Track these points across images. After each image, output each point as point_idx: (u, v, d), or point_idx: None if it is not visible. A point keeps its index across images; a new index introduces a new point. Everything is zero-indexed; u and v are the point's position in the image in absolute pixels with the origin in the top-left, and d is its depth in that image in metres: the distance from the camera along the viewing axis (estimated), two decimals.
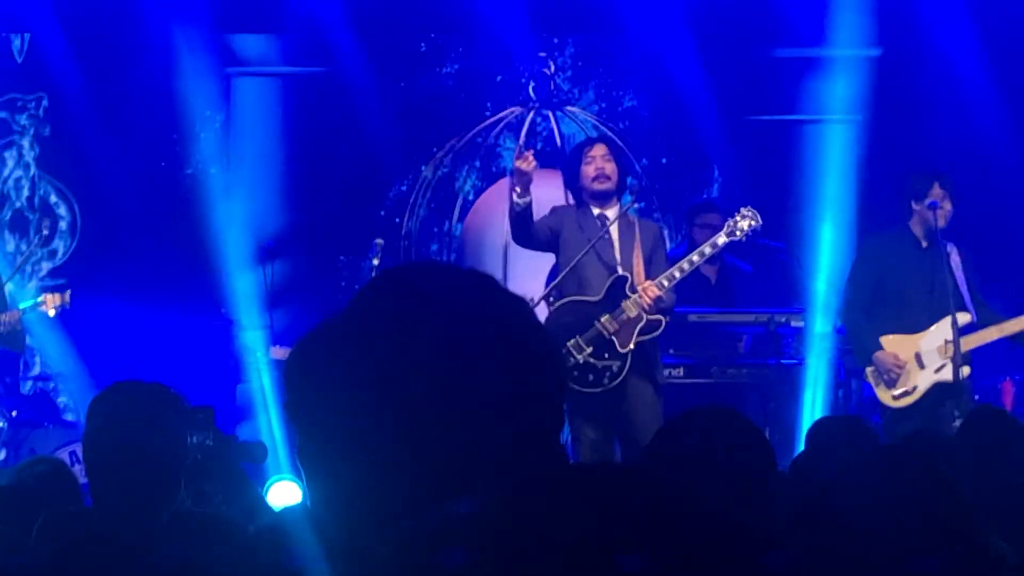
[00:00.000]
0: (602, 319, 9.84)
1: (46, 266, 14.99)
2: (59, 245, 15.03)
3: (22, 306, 11.69)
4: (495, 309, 2.18)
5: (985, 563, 3.04)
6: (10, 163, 15.03)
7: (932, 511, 3.03)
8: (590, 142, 10.50)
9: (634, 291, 9.88)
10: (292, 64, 15.10)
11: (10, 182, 15.01)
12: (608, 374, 9.80)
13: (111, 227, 14.78)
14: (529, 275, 12.06)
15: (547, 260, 10.76)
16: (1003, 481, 5.37)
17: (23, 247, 14.71)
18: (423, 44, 15.06)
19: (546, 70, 13.73)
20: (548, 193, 13.65)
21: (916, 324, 10.42)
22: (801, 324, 12.09)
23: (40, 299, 11.78)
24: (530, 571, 1.76)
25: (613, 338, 9.85)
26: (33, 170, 15.03)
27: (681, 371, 11.42)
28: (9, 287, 12.33)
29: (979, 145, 13.97)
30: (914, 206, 10.53)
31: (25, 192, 15.00)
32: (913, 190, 10.60)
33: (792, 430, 12.80)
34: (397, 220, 14.69)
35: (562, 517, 1.78)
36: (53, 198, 14.96)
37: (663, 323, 9.99)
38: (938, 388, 10.34)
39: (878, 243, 10.88)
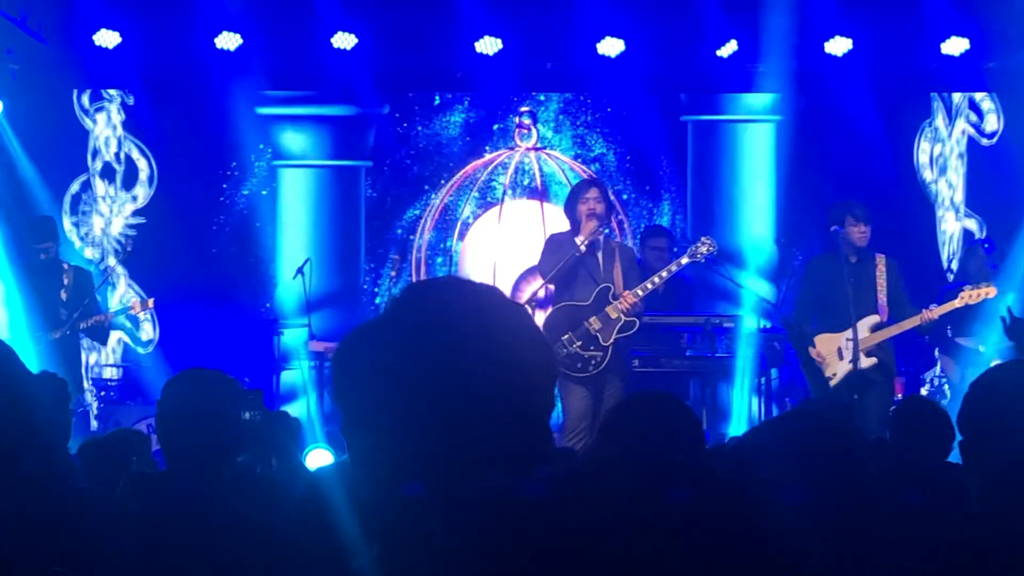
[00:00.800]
0: (590, 319, 10.22)
1: (129, 207, 14.90)
2: (139, 192, 14.95)
3: (114, 310, 11.64)
4: (501, 315, 2.20)
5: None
6: (101, 124, 14.91)
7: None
8: (588, 184, 10.71)
9: (616, 298, 10.28)
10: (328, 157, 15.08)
11: (101, 139, 14.90)
12: (593, 362, 10.21)
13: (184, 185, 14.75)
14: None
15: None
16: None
17: (111, 191, 14.65)
18: (437, 96, 15.03)
19: (525, 121, 13.80)
20: (528, 218, 13.70)
21: (841, 325, 10.50)
22: (731, 325, 12.12)
23: (130, 304, 11.74)
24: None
25: (598, 334, 10.23)
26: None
27: (637, 362, 11.48)
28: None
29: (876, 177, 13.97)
30: (839, 231, 10.64)
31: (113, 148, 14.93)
32: (832, 218, 10.76)
33: (726, 409, 12.78)
34: (411, 237, 14.72)
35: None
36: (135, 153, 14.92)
37: (637, 324, 10.39)
38: (853, 375, 10.43)
39: (818, 263, 11.01)
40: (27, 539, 3.49)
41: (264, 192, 14.92)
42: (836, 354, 10.54)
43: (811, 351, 10.51)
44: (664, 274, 10.41)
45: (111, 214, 14.81)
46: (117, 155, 14.90)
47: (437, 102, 15.04)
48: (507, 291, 11.80)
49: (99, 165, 14.90)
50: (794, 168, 14.65)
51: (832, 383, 10.45)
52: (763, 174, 15.00)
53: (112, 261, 14.38)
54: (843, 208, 10.77)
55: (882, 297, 10.62)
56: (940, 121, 14.99)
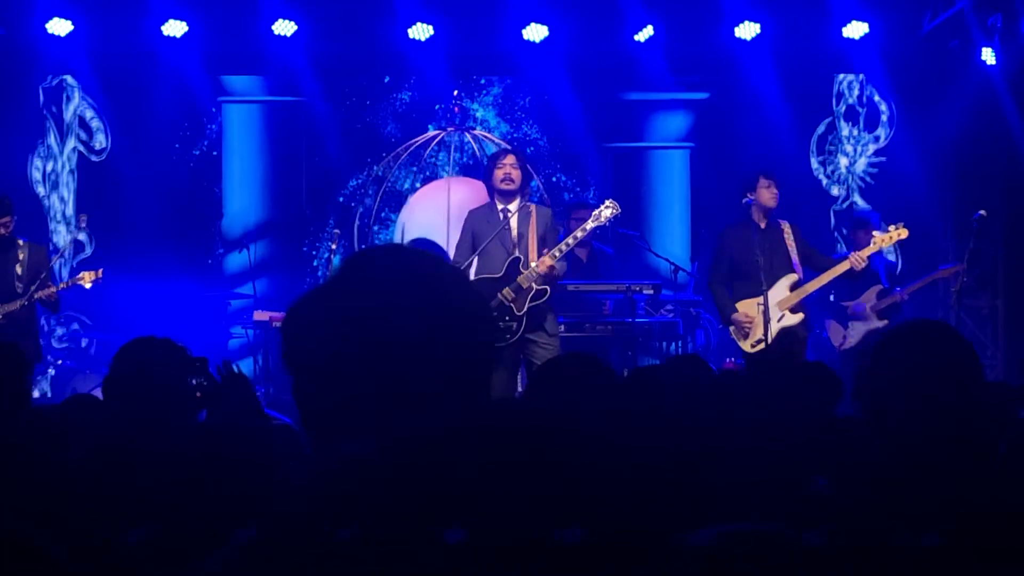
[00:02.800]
0: (503, 291, 9.89)
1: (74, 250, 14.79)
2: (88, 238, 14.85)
3: (62, 284, 11.49)
4: (440, 279, 2.19)
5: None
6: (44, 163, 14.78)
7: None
8: (503, 152, 10.45)
9: (527, 268, 9.93)
10: (272, 94, 14.95)
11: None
12: (509, 332, 9.87)
13: (130, 221, 14.58)
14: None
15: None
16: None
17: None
18: (387, 77, 14.98)
19: (455, 105, 13.72)
20: (468, 195, 13.65)
21: (758, 289, 10.42)
22: (651, 292, 12.10)
23: (79, 275, 11.60)
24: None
25: (511, 305, 9.89)
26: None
27: (562, 328, 11.42)
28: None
29: (779, 163, 14.02)
30: (749, 196, 10.61)
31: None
32: (745, 185, 10.73)
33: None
34: (352, 204, 14.61)
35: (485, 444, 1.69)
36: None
37: (548, 292, 10.00)
38: (781, 333, 10.42)
39: (730, 232, 10.85)
40: None
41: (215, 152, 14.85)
42: (760, 316, 10.44)
43: (735, 316, 10.50)
44: (575, 238, 10.04)
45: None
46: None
47: (387, 80, 14.98)
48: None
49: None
50: (709, 182, 14.68)
51: (762, 346, 10.41)
52: (680, 196, 15.04)
53: (65, 238, 14.29)
54: (754, 173, 10.72)
55: (795, 257, 10.64)
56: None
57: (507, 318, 9.88)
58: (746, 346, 10.59)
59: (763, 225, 10.65)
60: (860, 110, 15.10)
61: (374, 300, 2.10)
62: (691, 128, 15.01)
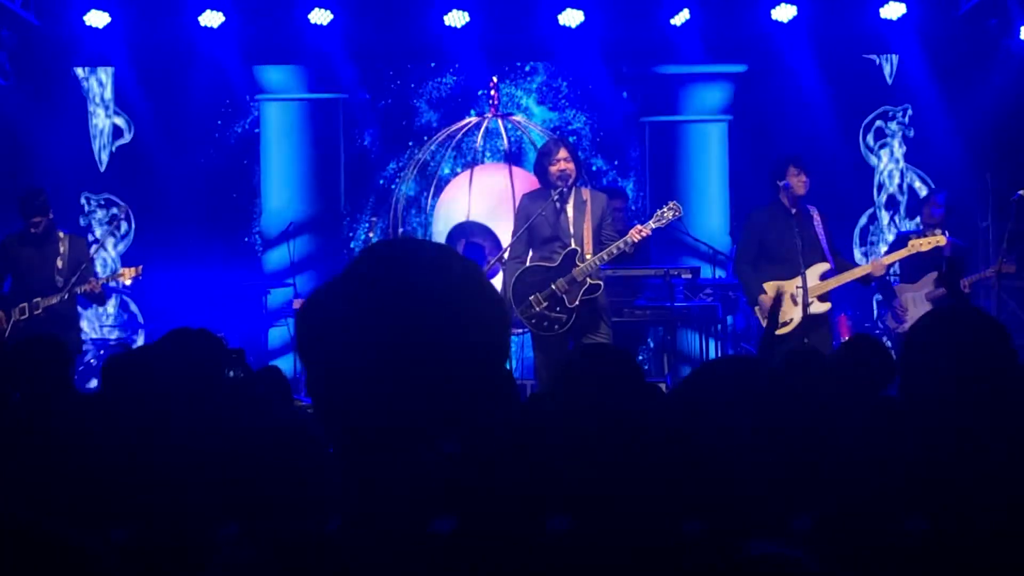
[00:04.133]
0: (556, 282, 9.87)
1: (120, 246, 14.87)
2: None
3: (103, 279, 11.54)
4: (455, 273, 2.17)
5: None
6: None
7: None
8: (556, 145, 10.26)
9: (583, 260, 9.90)
10: (309, 88, 15.00)
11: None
12: (558, 323, 9.86)
13: (167, 211, 14.64)
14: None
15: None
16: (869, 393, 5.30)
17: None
18: (429, 63, 15.00)
19: (492, 91, 13.65)
20: (497, 181, 13.63)
21: (790, 272, 10.42)
22: (689, 276, 12.09)
23: (119, 271, 11.65)
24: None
25: (564, 296, 9.87)
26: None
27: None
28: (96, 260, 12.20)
29: (817, 140, 13.94)
30: (778, 183, 10.56)
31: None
32: (775, 172, 10.67)
33: (686, 354, 12.79)
34: (392, 187, 14.62)
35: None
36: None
37: (601, 287, 9.98)
38: (807, 320, 10.36)
39: (758, 215, 10.81)
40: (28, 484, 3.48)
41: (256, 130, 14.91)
42: (790, 300, 10.46)
43: (763, 297, 10.49)
44: (630, 240, 9.85)
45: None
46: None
47: (425, 67, 14.99)
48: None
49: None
50: (747, 156, 14.60)
51: (789, 328, 10.40)
52: (717, 170, 14.97)
53: (99, 233, 14.38)
54: (785, 160, 10.68)
55: (826, 245, 10.64)
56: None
57: (558, 309, 9.87)
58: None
59: (793, 211, 10.62)
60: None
61: (389, 292, 2.10)
62: (729, 103, 14.92)
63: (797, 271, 10.37)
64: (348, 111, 14.92)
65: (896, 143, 15.01)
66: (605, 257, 9.88)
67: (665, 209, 10.13)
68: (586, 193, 10.20)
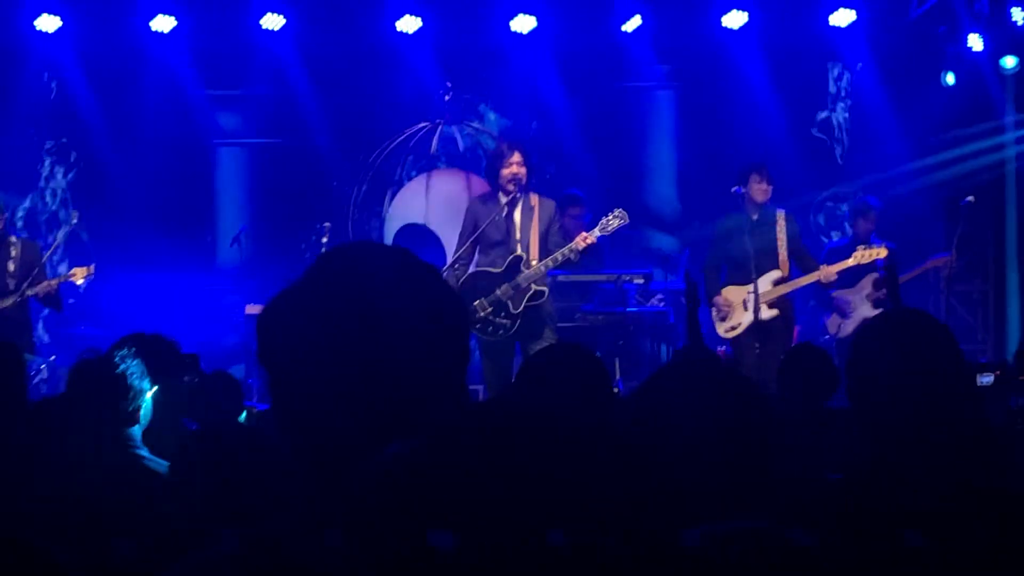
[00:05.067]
0: (501, 287, 9.94)
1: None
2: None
3: (55, 280, 11.48)
4: (413, 276, 2.17)
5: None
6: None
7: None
8: (509, 149, 10.21)
9: (528, 267, 9.97)
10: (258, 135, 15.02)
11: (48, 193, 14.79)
12: (503, 328, 9.95)
13: (121, 215, 14.54)
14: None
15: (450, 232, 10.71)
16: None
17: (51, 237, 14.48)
18: (377, 69, 14.90)
19: (445, 95, 13.68)
20: (450, 186, 13.66)
21: (746, 278, 10.78)
22: (641, 281, 12.16)
23: (71, 272, 11.59)
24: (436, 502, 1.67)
25: (508, 302, 9.96)
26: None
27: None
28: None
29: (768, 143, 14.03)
30: (742, 191, 10.92)
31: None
32: (739, 179, 11.04)
33: (638, 358, 12.84)
34: (346, 189, 14.56)
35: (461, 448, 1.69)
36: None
37: (546, 293, 10.08)
38: (755, 325, 10.70)
39: (724, 223, 11.22)
40: None
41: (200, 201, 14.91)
42: (741, 305, 10.82)
43: (716, 299, 10.76)
44: (576, 248, 9.90)
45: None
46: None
47: (377, 73, 14.93)
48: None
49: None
50: (695, 134, 14.71)
51: (736, 332, 10.67)
52: (666, 138, 15.04)
53: (60, 236, 14.28)
54: (749, 168, 11.07)
55: (783, 253, 10.95)
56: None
57: (502, 315, 9.94)
58: (720, 329, 11.04)
59: (755, 217, 10.85)
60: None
61: (349, 295, 2.09)
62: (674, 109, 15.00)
63: (749, 278, 10.58)
64: (301, 151, 14.85)
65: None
66: (550, 264, 9.93)
67: (611, 216, 10.17)
68: (535, 199, 10.20)
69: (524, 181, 10.05)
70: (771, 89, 14.55)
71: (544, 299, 10.02)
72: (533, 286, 9.95)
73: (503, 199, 10.06)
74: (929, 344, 3.18)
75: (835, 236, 14.58)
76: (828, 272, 10.99)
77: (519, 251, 10.05)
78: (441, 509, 1.68)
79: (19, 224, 14.49)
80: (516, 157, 10.05)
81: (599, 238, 10.70)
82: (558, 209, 11.50)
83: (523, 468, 1.71)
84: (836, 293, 12.28)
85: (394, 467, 1.71)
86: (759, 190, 10.93)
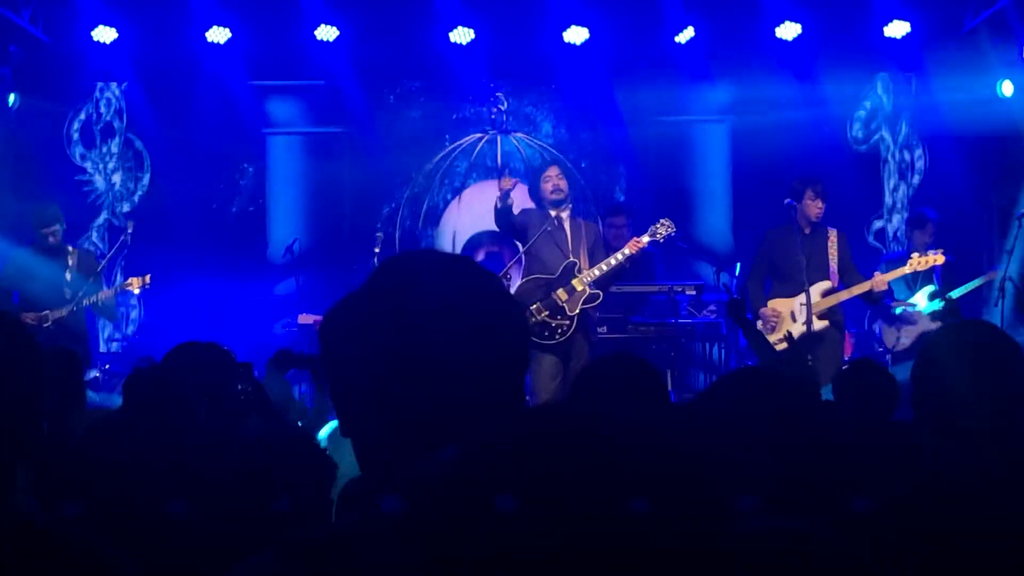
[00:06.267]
0: (557, 291, 10.27)
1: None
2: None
3: (111, 289, 11.58)
4: (475, 283, 2.16)
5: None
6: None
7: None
8: (546, 164, 10.77)
9: (581, 272, 10.32)
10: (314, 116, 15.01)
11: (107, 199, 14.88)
12: (560, 331, 10.26)
13: (175, 225, 14.61)
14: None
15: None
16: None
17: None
18: (392, 96, 15.08)
19: (500, 106, 13.68)
20: (488, 198, 13.63)
21: (795, 290, 10.73)
22: (693, 292, 12.12)
23: (127, 281, 11.69)
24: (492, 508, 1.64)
25: (564, 305, 10.28)
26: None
27: (605, 328, 11.52)
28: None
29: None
30: (796, 205, 10.85)
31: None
32: (792, 192, 10.94)
33: (688, 369, 12.78)
34: (390, 230, 14.58)
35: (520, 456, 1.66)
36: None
37: (600, 296, 10.40)
38: (806, 337, 10.49)
39: (773, 234, 11.12)
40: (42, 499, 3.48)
41: (251, 208, 14.94)
42: (790, 317, 10.69)
43: (763, 311, 10.65)
44: (626, 252, 10.31)
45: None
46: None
47: (392, 100, 14.99)
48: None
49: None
50: (748, 158, 14.61)
51: (785, 344, 10.48)
52: (720, 170, 14.95)
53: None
54: (804, 183, 10.92)
55: (833, 265, 10.87)
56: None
57: (559, 317, 10.26)
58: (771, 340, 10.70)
59: (807, 231, 10.79)
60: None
61: (409, 303, 2.09)
62: (729, 102, 14.92)
63: (800, 288, 10.49)
64: (351, 142, 14.91)
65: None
66: (604, 267, 10.29)
67: (659, 224, 10.50)
68: (581, 221, 10.69)
69: (566, 192, 10.49)
70: (820, 102, 14.45)
71: (598, 301, 10.37)
72: (588, 289, 10.27)
73: (552, 213, 10.41)
74: (996, 355, 3.14)
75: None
76: (880, 281, 10.88)
77: (571, 258, 10.38)
78: (488, 512, 1.65)
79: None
80: (554, 171, 10.51)
81: (650, 246, 10.75)
82: (600, 219, 11.65)
83: (576, 473, 1.68)
84: (895, 304, 12.17)
85: (442, 470, 1.69)
86: (813, 207, 10.79)
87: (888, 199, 14.99)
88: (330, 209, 14.97)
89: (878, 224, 14.96)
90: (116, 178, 14.83)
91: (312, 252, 14.60)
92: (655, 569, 1.61)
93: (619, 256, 10.29)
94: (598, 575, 1.57)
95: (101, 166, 14.87)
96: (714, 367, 12.62)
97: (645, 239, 10.42)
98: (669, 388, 11.96)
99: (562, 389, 10.06)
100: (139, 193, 14.87)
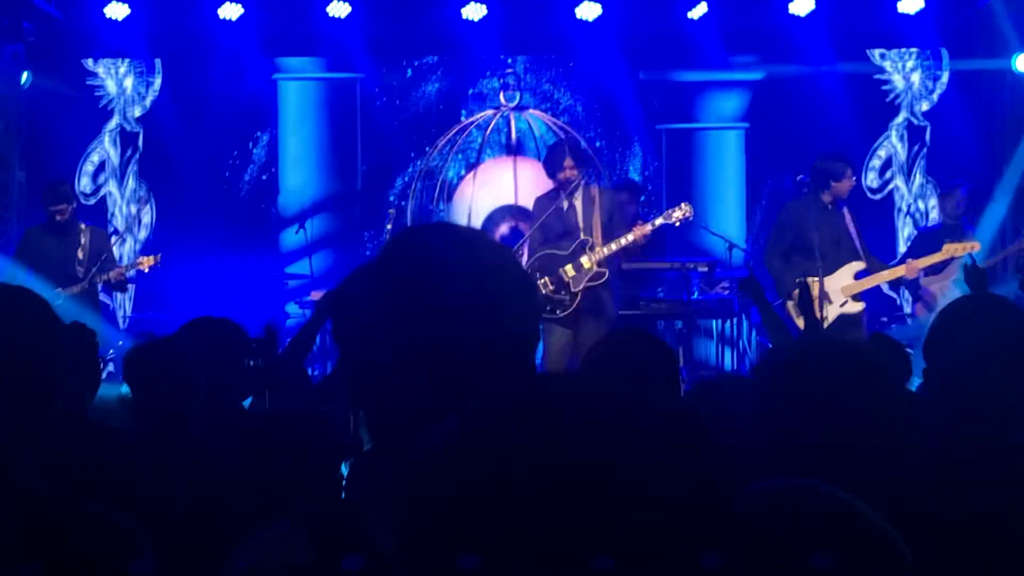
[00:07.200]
0: (564, 267, 10.31)
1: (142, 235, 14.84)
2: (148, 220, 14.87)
3: (123, 268, 11.59)
4: (487, 257, 2.16)
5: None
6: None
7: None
8: (562, 153, 10.58)
9: (592, 250, 10.31)
10: (326, 70, 14.98)
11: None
12: (561, 306, 10.29)
13: (186, 201, 14.60)
14: None
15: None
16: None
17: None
18: (410, 70, 15.07)
19: (510, 81, 13.66)
20: (501, 174, 13.62)
21: (826, 269, 10.35)
22: (705, 269, 12.06)
23: (138, 260, 11.71)
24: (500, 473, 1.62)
25: (569, 281, 10.31)
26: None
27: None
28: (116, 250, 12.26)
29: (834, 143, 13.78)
30: (832, 183, 10.55)
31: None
32: (833, 171, 10.58)
33: (700, 346, 12.76)
34: (403, 203, 14.56)
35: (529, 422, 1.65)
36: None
37: (606, 275, 10.34)
38: (840, 319, 10.35)
39: (793, 208, 10.74)
40: (58, 476, 3.48)
41: (264, 176, 14.94)
42: (825, 298, 10.36)
43: (796, 294, 10.39)
44: (637, 234, 10.25)
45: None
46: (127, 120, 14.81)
47: (409, 74, 14.98)
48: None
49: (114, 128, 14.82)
50: (762, 160, 14.57)
51: (824, 325, 10.32)
52: (734, 177, 14.87)
53: (122, 225, 14.37)
54: (846, 162, 10.68)
55: (859, 244, 10.61)
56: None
57: (562, 292, 10.29)
58: (802, 323, 10.45)
59: (830, 208, 10.58)
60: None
61: (422, 276, 2.09)
62: (746, 108, 14.82)
63: (832, 268, 10.35)
64: (364, 97, 14.91)
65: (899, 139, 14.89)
66: (614, 247, 10.28)
67: (675, 209, 10.53)
68: (595, 190, 10.64)
69: (577, 181, 10.47)
70: (838, 78, 14.39)
71: (604, 280, 10.32)
72: (595, 267, 10.26)
73: (563, 194, 10.44)
74: (1004, 327, 3.13)
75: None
76: (913, 267, 10.76)
77: (583, 236, 10.38)
78: (489, 482, 1.64)
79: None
80: (568, 161, 10.47)
81: (662, 227, 10.73)
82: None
83: (580, 445, 1.66)
84: (923, 280, 12.09)
85: (447, 439, 1.68)
86: (848, 185, 10.59)
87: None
88: (344, 177, 14.97)
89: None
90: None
91: (323, 227, 14.60)
92: (655, 537, 1.60)
93: (631, 237, 10.26)
94: (597, 545, 1.56)
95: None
96: (726, 344, 12.60)
97: (658, 221, 10.46)
98: (681, 365, 11.95)
99: (570, 365, 10.08)
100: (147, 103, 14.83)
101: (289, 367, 5.21)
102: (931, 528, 2.68)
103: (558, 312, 10.24)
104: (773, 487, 1.90)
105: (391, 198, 14.83)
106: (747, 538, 1.78)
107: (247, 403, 5.36)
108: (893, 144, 14.78)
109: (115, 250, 12.53)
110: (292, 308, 13.91)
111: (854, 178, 10.74)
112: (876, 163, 14.81)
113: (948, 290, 11.88)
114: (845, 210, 10.71)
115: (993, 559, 2.71)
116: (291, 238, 14.33)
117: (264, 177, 15.02)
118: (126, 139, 14.81)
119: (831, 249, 10.38)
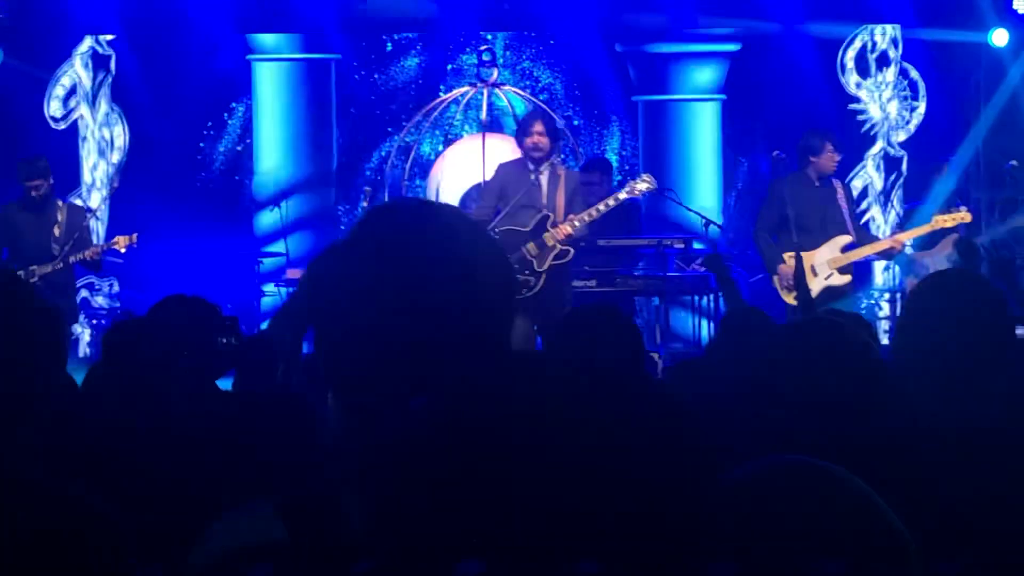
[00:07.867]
0: (527, 245, 10.08)
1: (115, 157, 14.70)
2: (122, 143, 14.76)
3: (99, 246, 11.55)
4: (461, 233, 2.15)
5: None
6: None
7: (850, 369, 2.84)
8: (533, 118, 10.61)
9: (554, 226, 10.14)
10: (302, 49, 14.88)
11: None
12: (527, 286, 10.07)
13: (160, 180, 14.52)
14: None
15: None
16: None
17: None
18: (389, 44, 15.09)
19: (484, 57, 13.61)
20: (503, 150, 13.58)
21: (812, 243, 10.47)
22: (681, 245, 12.05)
23: (114, 240, 11.68)
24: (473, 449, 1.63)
25: (533, 260, 10.11)
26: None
27: (594, 282, 11.36)
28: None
29: (812, 118, 13.77)
30: (811, 158, 10.64)
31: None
32: (811, 146, 10.71)
33: (676, 322, 12.77)
34: (378, 177, 14.54)
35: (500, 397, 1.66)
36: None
37: (571, 252, 10.24)
38: (827, 291, 10.41)
39: (780, 184, 10.76)
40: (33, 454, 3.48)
41: (240, 148, 14.90)
42: (810, 271, 10.47)
43: (781, 268, 10.44)
44: (601, 208, 10.21)
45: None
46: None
47: (389, 48, 14.95)
48: None
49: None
50: (740, 134, 14.57)
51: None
52: (710, 149, 14.85)
53: (96, 199, 14.24)
54: (824, 136, 10.78)
55: (848, 219, 10.72)
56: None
57: (527, 272, 10.05)
58: (788, 298, 10.54)
59: (817, 183, 10.67)
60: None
61: (394, 252, 2.09)
62: (723, 80, 14.78)
63: (816, 243, 10.42)
64: (339, 76, 14.86)
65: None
66: (576, 223, 10.12)
67: (638, 181, 10.46)
68: (561, 170, 10.52)
69: (547, 149, 10.28)
70: (814, 50, 14.36)
71: (568, 258, 10.20)
72: (558, 245, 10.10)
73: (531, 166, 10.26)
74: (972, 297, 3.17)
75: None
76: (898, 239, 10.89)
77: (546, 212, 10.21)
78: (461, 459, 1.65)
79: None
80: (538, 126, 10.31)
81: (633, 200, 10.72)
82: (582, 169, 11.55)
83: (551, 423, 1.67)
84: (916, 255, 12.11)
85: (419, 415, 1.69)
86: (831, 160, 10.68)
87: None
88: (320, 158, 14.91)
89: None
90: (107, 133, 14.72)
91: (298, 207, 14.56)
92: (632, 513, 1.60)
93: (594, 212, 10.16)
94: (571, 519, 1.57)
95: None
96: (703, 319, 12.61)
97: (622, 195, 10.35)
98: (659, 342, 11.97)
99: (530, 338, 10.00)
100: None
101: (258, 346, 5.21)
102: (906, 498, 2.70)
103: (523, 293, 9.98)
104: (758, 467, 1.90)
105: (367, 172, 14.81)
106: (738, 524, 1.78)
107: (228, 383, 5.38)
108: (869, 174, 14.75)
109: (92, 226, 12.49)
110: (268, 287, 13.87)
111: (837, 153, 10.73)
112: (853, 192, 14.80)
113: (941, 266, 11.92)
114: (838, 185, 10.83)
115: (971, 528, 2.74)
116: (267, 219, 14.29)
117: (239, 148, 14.98)
118: (98, 62, 14.66)
119: (816, 224, 10.45)
